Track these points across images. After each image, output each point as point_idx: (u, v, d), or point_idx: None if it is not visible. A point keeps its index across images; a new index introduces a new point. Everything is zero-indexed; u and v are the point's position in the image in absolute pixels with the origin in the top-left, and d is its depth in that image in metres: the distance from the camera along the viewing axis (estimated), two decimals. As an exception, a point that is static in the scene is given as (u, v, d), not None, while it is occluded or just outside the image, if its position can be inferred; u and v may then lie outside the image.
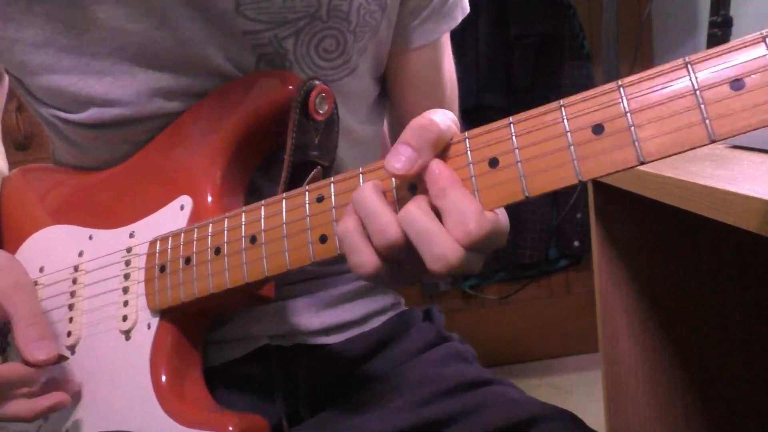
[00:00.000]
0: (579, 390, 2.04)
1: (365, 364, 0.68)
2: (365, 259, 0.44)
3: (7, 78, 0.72)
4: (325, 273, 0.68)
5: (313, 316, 0.67)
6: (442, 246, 0.41)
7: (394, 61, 0.71)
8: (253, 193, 0.61)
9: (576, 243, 2.11)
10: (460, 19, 0.71)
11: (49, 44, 0.60)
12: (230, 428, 0.53)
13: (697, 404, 0.99)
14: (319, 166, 0.58)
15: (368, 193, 0.44)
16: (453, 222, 0.41)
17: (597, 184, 0.93)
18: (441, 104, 0.74)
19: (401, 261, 0.44)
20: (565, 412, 0.60)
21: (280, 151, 0.58)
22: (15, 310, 0.56)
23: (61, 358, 0.59)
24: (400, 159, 0.42)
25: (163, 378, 0.56)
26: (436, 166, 0.43)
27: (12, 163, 0.78)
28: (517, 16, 2.00)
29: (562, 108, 0.40)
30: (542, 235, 2.14)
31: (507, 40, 2.02)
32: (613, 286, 0.95)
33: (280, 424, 0.64)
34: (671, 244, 0.95)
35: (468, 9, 0.72)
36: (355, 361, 0.68)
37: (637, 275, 0.95)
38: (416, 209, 0.42)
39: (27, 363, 0.56)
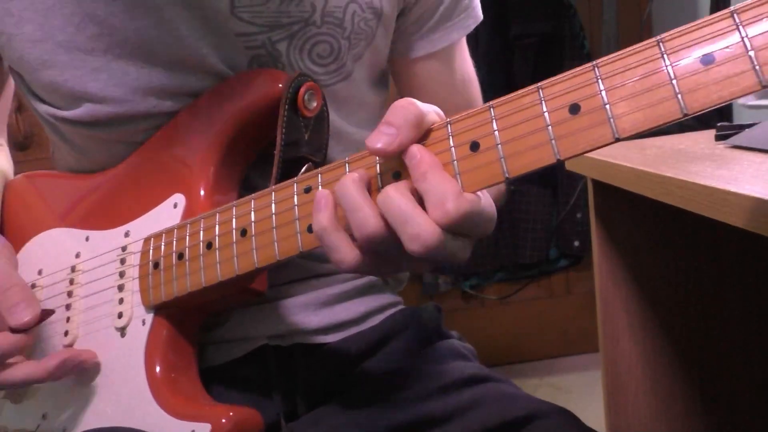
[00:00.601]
0: (579, 390, 2.04)
1: (363, 363, 0.68)
2: (343, 256, 0.45)
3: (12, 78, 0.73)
4: (322, 272, 0.68)
5: (311, 315, 0.67)
6: (417, 226, 0.41)
7: (402, 68, 0.71)
8: (248, 191, 0.62)
9: (576, 243, 2.11)
10: (472, 27, 0.72)
11: (46, 40, 0.60)
12: (223, 420, 0.53)
13: (697, 404, 0.99)
14: (310, 162, 0.59)
15: (349, 187, 0.44)
16: (432, 203, 0.42)
17: (597, 183, 0.92)
18: (457, 107, 0.75)
19: (381, 251, 0.45)
20: (561, 410, 0.60)
21: (272, 148, 0.59)
22: None
23: (46, 314, 0.59)
24: (381, 138, 0.43)
25: (158, 373, 0.57)
26: (418, 150, 0.43)
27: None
28: (517, 16, 2.00)
29: (540, 90, 0.41)
30: (542, 235, 2.14)
31: (507, 40, 2.02)
32: (613, 286, 0.95)
33: (279, 424, 0.64)
34: (671, 244, 0.95)
35: (481, 17, 0.72)
36: (353, 359, 0.68)
37: (637, 275, 0.95)
38: (394, 192, 0.43)
39: (13, 329, 0.56)
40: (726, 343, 0.98)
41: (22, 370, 0.56)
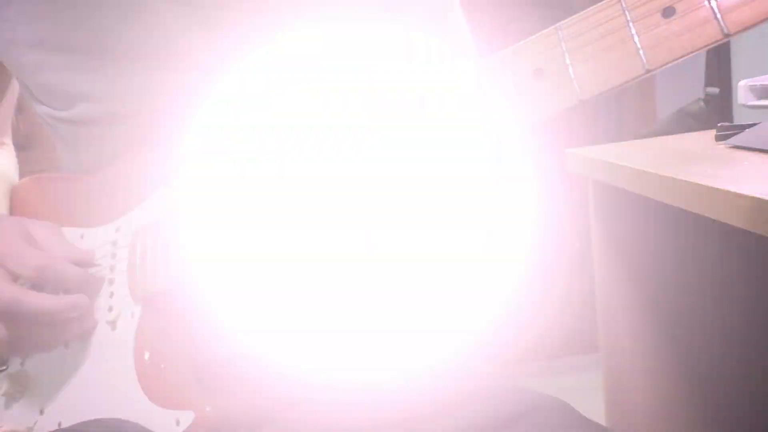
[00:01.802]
0: (579, 390, 2.04)
1: None
2: None
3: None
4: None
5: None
6: None
7: None
8: None
9: (576, 243, 2.11)
10: None
11: (41, 43, 0.61)
12: (207, 408, 0.54)
13: (698, 405, 0.99)
14: None
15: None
16: None
17: (597, 183, 0.92)
18: None
19: None
20: (558, 401, 0.60)
21: None
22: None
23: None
24: None
25: (146, 363, 0.58)
26: None
27: (12, 164, 0.78)
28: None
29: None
30: (542, 234, 2.13)
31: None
32: (613, 286, 0.95)
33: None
34: (671, 244, 0.95)
35: None
36: None
37: (637, 275, 0.95)
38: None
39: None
40: (726, 342, 0.98)
41: (48, 298, 0.57)
